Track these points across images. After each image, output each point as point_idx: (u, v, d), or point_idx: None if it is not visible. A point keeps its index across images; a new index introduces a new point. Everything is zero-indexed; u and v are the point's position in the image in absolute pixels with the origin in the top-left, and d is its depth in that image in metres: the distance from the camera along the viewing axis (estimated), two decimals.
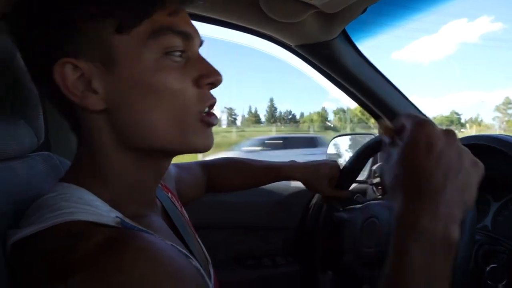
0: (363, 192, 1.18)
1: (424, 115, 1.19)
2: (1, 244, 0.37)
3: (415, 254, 0.35)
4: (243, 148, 8.83)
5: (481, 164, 0.39)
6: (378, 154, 1.18)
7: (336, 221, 0.80)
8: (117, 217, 0.38)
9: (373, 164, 1.16)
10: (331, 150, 1.36)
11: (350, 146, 1.35)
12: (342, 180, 0.82)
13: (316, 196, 1.13)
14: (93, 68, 0.37)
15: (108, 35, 0.37)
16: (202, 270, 0.44)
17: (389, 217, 0.66)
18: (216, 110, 0.45)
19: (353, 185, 1.14)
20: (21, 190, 0.44)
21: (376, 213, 0.70)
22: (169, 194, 0.59)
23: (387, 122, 0.43)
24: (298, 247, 1.14)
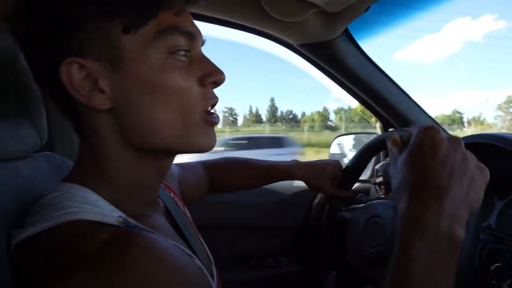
0: (366, 192, 1.18)
1: (427, 114, 1.19)
2: (5, 244, 0.37)
3: (419, 252, 0.36)
4: None
5: (486, 170, 0.40)
6: (381, 153, 1.18)
7: (339, 221, 0.80)
8: (120, 216, 0.38)
9: (376, 163, 1.15)
10: (334, 149, 1.35)
11: (353, 146, 1.34)
12: (345, 180, 0.82)
13: (319, 195, 1.13)
14: (99, 68, 0.38)
15: (115, 35, 0.37)
16: (205, 270, 0.44)
17: (392, 216, 0.65)
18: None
19: (356, 185, 1.14)
20: (25, 190, 0.44)
21: (379, 212, 0.70)
22: (172, 194, 0.59)
23: (396, 135, 0.44)
24: (301, 247, 1.14)
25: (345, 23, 0.93)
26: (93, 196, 0.39)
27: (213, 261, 0.56)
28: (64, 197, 0.38)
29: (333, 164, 0.82)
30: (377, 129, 1.33)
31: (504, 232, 0.64)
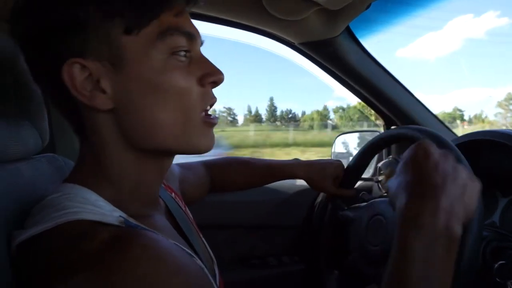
0: (369, 190, 1.18)
1: (430, 111, 1.18)
2: (6, 245, 0.37)
3: (417, 248, 0.37)
4: None
5: (477, 180, 0.43)
6: (384, 150, 1.18)
7: (342, 220, 0.80)
8: (120, 216, 0.38)
9: (378, 161, 1.15)
10: (337, 148, 1.34)
11: (358, 144, 1.33)
12: (347, 179, 0.82)
13: (321, 194, 1.12)
14: (101, 68, 0.38)
15: (116, 35, 0.37)
16: (206, 269, 0.44)
17: (395, 214, 0.65)
18: None
19: (359, 183, 1.14)
20: (27, 192, 0.44)
21: (381, 210, 0.70)
22: (173, 194, 0.59)
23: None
24: (304, 246, 1.14)
25: (346, 21, 0.92)
26: (93, 196, 0.40)
27: (215, 261, 0.56)
28: (65, 197, 0.38)
29: (335, 163, 0.82)
30: (380, 127, 1.32)
31: (508, 230, 0.63)
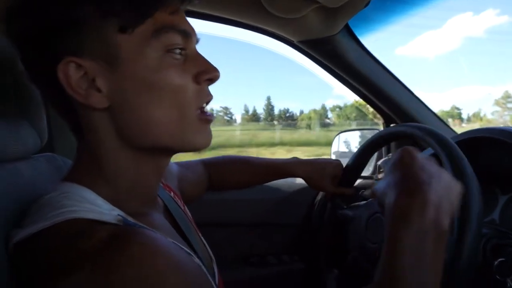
0: (369, 188, 1.18)
1: (429, 109, 1.18)
2: (5, 244, 0.37)
3: (407, 242, 0.38)
4: None
5: (459, 184, 0.45)
6: (383, 148, 1.18)
7: (341, 219, 0.80)
8: (118, 215, 0.38)
9: (378, 159, 1.15)
10: (338, 147, 1.34)
11: (359, 143, 1.33)
12: (346, 178, 0.82)
13: (321, 193, 1.12)
14: (96, 67, 0.38)
15: (111, 34, 0.37)
16: (204, 268, 0.44)
17: None
18: None
19: (359, 181, 1.13)
20: (26, 191, 0.44)
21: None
22: (171, 193, 0.59)
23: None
24: (303, 245, 1.14)
25: (345, 19, 0.92)
26: (91, 195, 0.40)
27: (214, 259, 0.56)
28: (62, 196, 0.38)
29: (334, 163, 0.82)
30: (378, 125, 1.32)
31: (508, 227, 0.63)
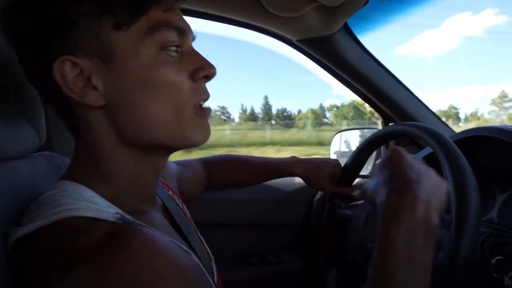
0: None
1: (428, 108, 1.18)
2: (3, 243, 0.37)
3: (399, 238, 0.39)
4: None
5: (445, 182, 0.47)
6: (382, 147, 1.18)
7: (340, 218, 0.80)
8: (117, 213, 0.38)
9: (376, 158, 1.15)
10: (337, 146, 1.33)
11: (356, 141, 1.33)
12: (344, 177, 0.82)
13: (320, 192, 1.12)
14: (92, 65, 0.38)
15: (106, 32, 0.37)
16: (202, 266, 0.44)
17: None
18: None
19: (358, 180, 1.13)
20: (24, 190, 0.44)
21: None
22: (170, 192, 0.59)
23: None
24: (303, 244, 1.14)
25: (344, 18, 0.92)
26: (89, 193, 0.40)
27: (213, 259, 0.56)
28: (60, 194, 0.38)
29: (332, 162, 0.82)
30: (375, 125, 1.32)
31: (506, 225, 0.64)
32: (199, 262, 0.44)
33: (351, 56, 1.05)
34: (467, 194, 0.49)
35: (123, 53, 0.38)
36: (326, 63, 1.08)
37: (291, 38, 1.02)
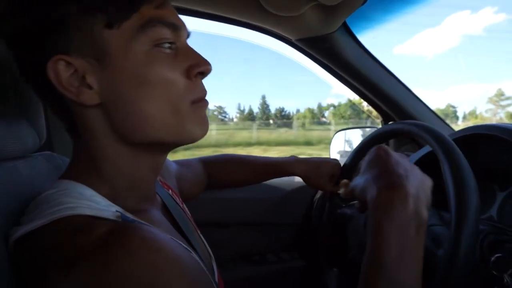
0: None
1: (427, 106, 1.18)
2: (4, 243, 0.37)
3: (391, 233, 0.40)
4: None
5: (430, 179, 0.47)
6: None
7: (340, 218, 0.80)
8: (117, 211, 0.38)
9: None
10: (340, 146, 1.33)
11: (357, 140, 1.33)
12: (343, 177, 0.82)
13: (319, 192, 1.12)
14: (85, 64, 0.38)
15: (98, 31, 0.37)
16: (202, 264, 0.44)
17: None
18: None
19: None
20: (25, 189, 0.44)
21: None
22: (170, 191, 0.59)
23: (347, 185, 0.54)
24: (303, 243, 1.14)
25: (343, 17, 0.92)
26: (89, 192, 0.40)
27: (213, 257, 0.56)
28: (60, 193, 0.38)
29: (332, 162, 0.82)
30: (373, 123, 1.32)
31: (506, 223, 0.64)
32: (199, 260, 0.44)
33: (350, 55, 1.05)
34: (466, 193, 0.49)
35: (116, 51, 0.38)
36: (326, 62, 1.08)
37: (290, 37, 1.02)
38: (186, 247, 0.43)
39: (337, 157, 1.29)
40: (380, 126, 1.29)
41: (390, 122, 1.20)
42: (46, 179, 0.49)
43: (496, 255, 0.54)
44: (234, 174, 0.84)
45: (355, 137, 1.33)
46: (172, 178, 0.69)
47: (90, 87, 0.38)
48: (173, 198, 0.57)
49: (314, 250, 0.86)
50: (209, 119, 0.45)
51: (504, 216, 0.68)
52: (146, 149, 0.43)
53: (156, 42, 0.39)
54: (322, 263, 0.83)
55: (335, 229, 0.81)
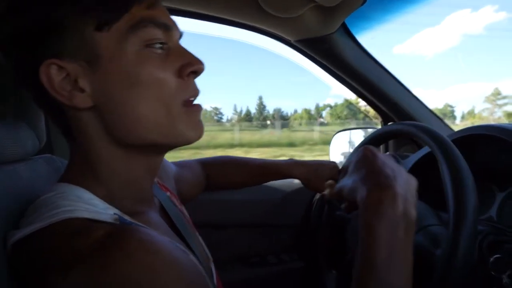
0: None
1: (426, 106, 1.18)
2: (3, 245, 0.37)
3: (381, 233, 0.40)
4: None
5: (415, 179, 0.47)
6: (381, 147, 1.18)
7: (338, 220, 0.80)
8: (115, 214, 0.38)
9: None
10: (341, 147, 1.32)
11: (353, 140, 1.32)
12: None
13: (318, 193, 1.12)
14: (77, 67, 0.38)
15: (89, 34, 0.37)
16: (199, 265, 0.44)
17: None
18: None
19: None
20: (25, 192, 0.45)
21: None
22: (168, 193, 0.59)
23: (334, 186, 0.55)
24: (302, 245, 1.14)
25: (342, 17, 0.92)
26: (87, 195, 0.40)
27: (211, 259, 0.56)
28: (58, 196, 0.39)
29: (330, 165, 0.82)
30: (372, 124, 1.32)
31: (505, 224, 0.64)
32: (197, 262, 0.44)
33: (349, 55, 1.05)
34: (464, 193, 0.49)
35: (107, 53, 0.38)
36: (325, 63, 1.08)
37: (289, 38, 1.02)
38: (184, 249, 0.43)
39: (342, 158, 1.29)
40: (379, 126, 1.29)
41: (389, 123, 1.20)
42: (46, 182, 0.50)
43: (495, 255, 0.54)
44: (231, 176, 0.84)
45: (358, 138, 1.32)
46: (171, 180, 0.69)
47: (82, 90, 0.38)
48: (171, 200, 0.57)
49: (313, 251, 0.86)
50: (204, 120, 0.45)
51: (503, 216, 0.68)
52: (140, 151, 0.43)
53: (147, 42, 0.39)
54: (321, 264, 0.83)
55: (334, 231, 0.81)
